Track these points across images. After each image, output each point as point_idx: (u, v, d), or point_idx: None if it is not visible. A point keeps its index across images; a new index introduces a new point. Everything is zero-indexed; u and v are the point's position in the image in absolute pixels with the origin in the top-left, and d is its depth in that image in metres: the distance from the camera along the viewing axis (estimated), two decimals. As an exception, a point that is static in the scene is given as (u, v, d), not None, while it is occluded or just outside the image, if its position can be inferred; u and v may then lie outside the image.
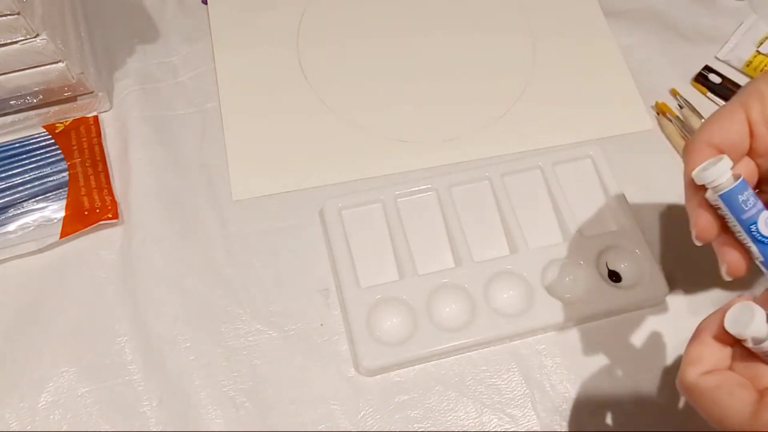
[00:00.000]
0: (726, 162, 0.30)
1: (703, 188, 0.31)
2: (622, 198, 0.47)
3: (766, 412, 0.27)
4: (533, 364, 0.43)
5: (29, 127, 0.49)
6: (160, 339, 0.43)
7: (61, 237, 0.45)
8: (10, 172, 0.47)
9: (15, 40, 0.42)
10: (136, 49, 0.54)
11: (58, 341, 0.43)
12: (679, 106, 0.53)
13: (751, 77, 0.54)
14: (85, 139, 0.49)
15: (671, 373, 0.43)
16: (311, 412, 0.41)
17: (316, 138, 0.51)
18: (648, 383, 0.43)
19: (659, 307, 0.45)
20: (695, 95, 0.53)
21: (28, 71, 0.44)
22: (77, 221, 0.45)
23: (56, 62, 0.44)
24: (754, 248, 0.31)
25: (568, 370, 0.43)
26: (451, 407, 0.42)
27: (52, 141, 0.49)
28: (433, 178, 0.48)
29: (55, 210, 0.46)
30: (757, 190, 0.32)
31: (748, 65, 0.54)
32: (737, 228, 0.31)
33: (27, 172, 0.47)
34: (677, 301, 0.45)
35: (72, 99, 0.49)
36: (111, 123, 0.51)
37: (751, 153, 0.32)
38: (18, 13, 0.40)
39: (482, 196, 0.48)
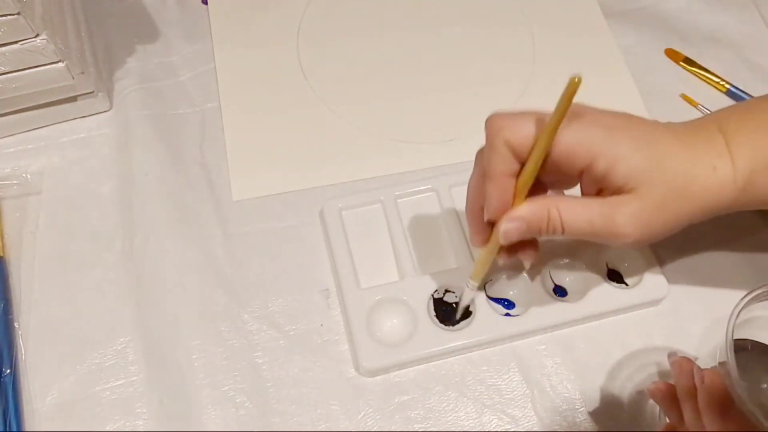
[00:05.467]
0: None
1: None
2: (622, 198, 0.47)
3: None
4: (533, 364, 0.43)
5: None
6: (161, 339, 0.43)
7: None
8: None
9: (15, 40, 0.42)
10: (136, 49, 0.54)
11: (60, 342, 0.43)
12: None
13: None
14: None
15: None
16: (311, 412, 0.41)
17: (316, 138, 0.51)
18: (648, 383, 0.42)
19: (659, 307, 0.45)
20: (696, 96, 0.53)
21: (28, 71, 0.44)
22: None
23: (56, 62, 0.44)
24: None
25: (568, 370, 0.43)
26: (451, 407, 0.42)
27: None
28: (433, 178, 0.48)
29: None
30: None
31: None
32: None
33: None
34: (677, 301, 0.45)
35: (72, 99, 0.49)
36: (111, 123, 0.51)
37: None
38: (18, 13, 0.40)
39: (482, 196, 0.48)
